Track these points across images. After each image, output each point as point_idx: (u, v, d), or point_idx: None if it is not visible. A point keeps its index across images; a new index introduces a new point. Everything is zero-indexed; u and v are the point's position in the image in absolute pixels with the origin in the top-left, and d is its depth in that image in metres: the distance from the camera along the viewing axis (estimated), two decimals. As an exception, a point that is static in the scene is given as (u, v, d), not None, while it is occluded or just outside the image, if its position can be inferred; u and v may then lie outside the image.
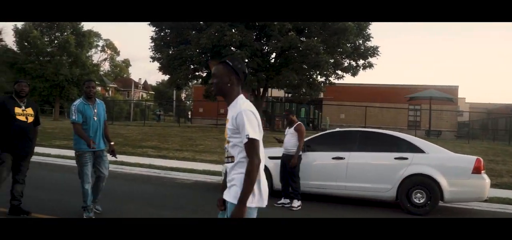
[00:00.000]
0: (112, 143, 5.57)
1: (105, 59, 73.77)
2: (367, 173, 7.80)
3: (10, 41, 48.10)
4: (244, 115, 2.38)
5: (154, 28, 23.30)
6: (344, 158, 7.87)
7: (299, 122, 7.69)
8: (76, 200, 5.61)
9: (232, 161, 2.49)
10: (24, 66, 39.27)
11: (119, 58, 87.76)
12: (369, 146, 8.11)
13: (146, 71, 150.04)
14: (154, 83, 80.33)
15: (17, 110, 5.00)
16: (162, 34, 23.50)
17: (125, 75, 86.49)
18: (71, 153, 12.39)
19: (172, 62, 22.51)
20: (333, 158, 7.95)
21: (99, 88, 52.67)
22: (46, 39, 42.53)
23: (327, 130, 9.22)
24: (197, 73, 24.56)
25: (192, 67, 23.36)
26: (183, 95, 69.59)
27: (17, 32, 42.23)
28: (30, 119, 5.13)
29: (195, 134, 20.52)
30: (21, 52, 40.79)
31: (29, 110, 5.16)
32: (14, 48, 42.46)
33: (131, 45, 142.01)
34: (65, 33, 43.72)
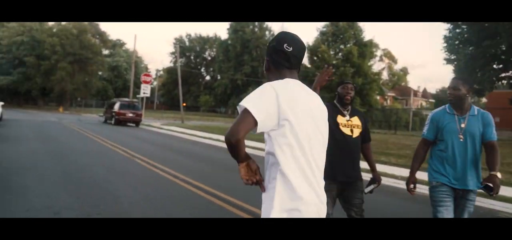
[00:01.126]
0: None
1: (383, 68, 74.15)
2: None
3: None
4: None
5: (448, 26, 20.38)
6: None
7: None
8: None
9: None
10: (313, 78, 43.23)
11: (396, 67, 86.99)
12: None
13: (424, 78, 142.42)
14: (433, 91, 75.36)
15: (340, 119, 3.68)
16: (457, 30, 20.25)
17: (403, 83, 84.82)
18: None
19: (472, 63, 18.98)
20: None
21: (377, 97, 52.71)
22: (332, 52, 45.64)
23: None
24: (503, 75, 20.04)
25: (498, 67, 19.15)
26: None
27: (308, 48, 47.13)
28: (356, 132, 3.71)
29: (504, 150, 16.48)
30: (312, 66, 44.99)
31: (355, 120, 3.75)
32: (307, 63, 47.34)
33: (408, 53, 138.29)
34: (348, 45, 45.78)
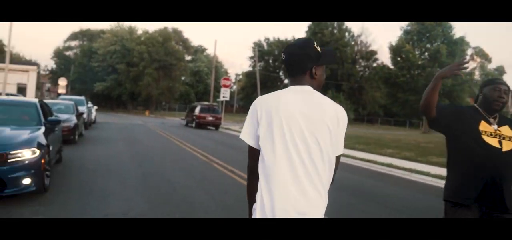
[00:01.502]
0: None
1: (474, 68, 68.40)
2: None
3: (385, 57, 52.62)
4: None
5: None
6: None
7: None
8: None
9: None
10: (397, 80, 40.89)
11: (490, 66, 79.85)
12: None
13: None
14: (537, 92, 67.68)
15: (485, 126, 2.80)
16: None
17: (498, 84, 77.60)
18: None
19: None
20: None
21: (468, 99, 48.56)
22: (417, 52, 42.91)
23: None
24: None
25: None
26: None
27: (391, 48, 44.76)
28: (507, 146, 2.74)
29: None
30: (395, 67, 42.71)
31: (506, 131, 2.80)
32: (389, 64, 45.09)
33: (506, 50, 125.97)
34: (436, 43, 42.69)
